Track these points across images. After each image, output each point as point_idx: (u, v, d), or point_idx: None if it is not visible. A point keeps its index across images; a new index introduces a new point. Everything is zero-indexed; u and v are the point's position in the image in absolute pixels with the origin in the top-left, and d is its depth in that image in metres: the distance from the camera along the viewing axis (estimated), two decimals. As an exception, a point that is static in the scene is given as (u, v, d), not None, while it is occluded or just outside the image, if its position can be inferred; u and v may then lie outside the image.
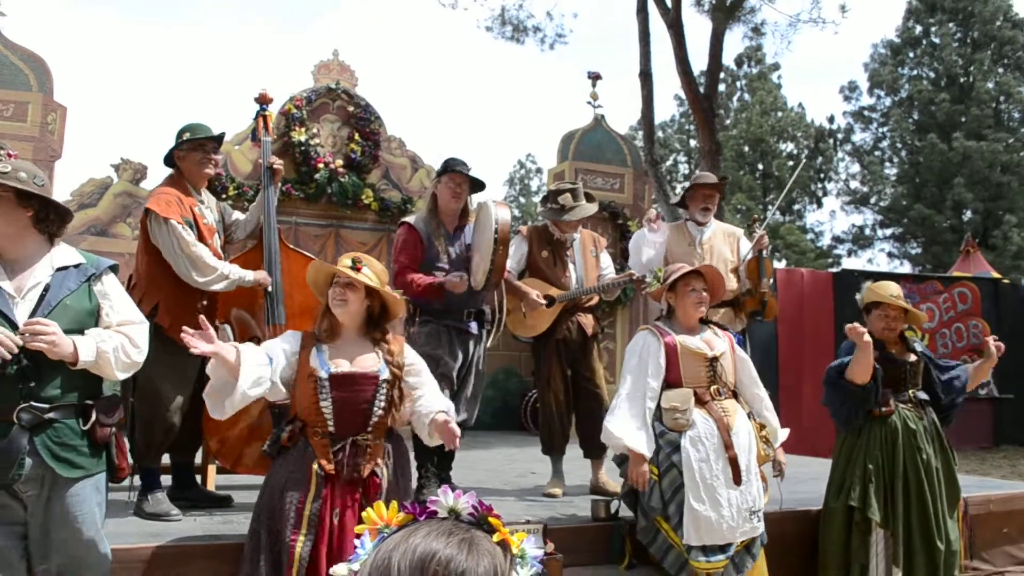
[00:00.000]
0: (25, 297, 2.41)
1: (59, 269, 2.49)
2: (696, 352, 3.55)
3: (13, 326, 2.33)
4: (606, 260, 4.90)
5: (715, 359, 3.55)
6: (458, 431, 2.83)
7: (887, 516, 3.75)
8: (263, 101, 4.39)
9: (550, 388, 4.65)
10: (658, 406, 3.49)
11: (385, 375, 2.85)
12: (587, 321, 4.68)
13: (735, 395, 3.63)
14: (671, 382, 3.53)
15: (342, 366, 2.82)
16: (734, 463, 3.37)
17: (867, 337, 3.63)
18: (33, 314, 2.37)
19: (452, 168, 4.26)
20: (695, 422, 3.42)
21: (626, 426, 3.44)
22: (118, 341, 2.48)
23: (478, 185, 4.35)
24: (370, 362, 2.86)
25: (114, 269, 2.64)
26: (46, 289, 2.43)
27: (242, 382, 2.62)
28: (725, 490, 3.33)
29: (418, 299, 4.18)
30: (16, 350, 2.26)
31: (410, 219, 4.34)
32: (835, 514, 3.88)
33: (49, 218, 2.51)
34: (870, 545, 3.77)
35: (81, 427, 2.44)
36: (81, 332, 2.43)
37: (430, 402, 2.91)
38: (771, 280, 4.70)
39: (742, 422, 3.51)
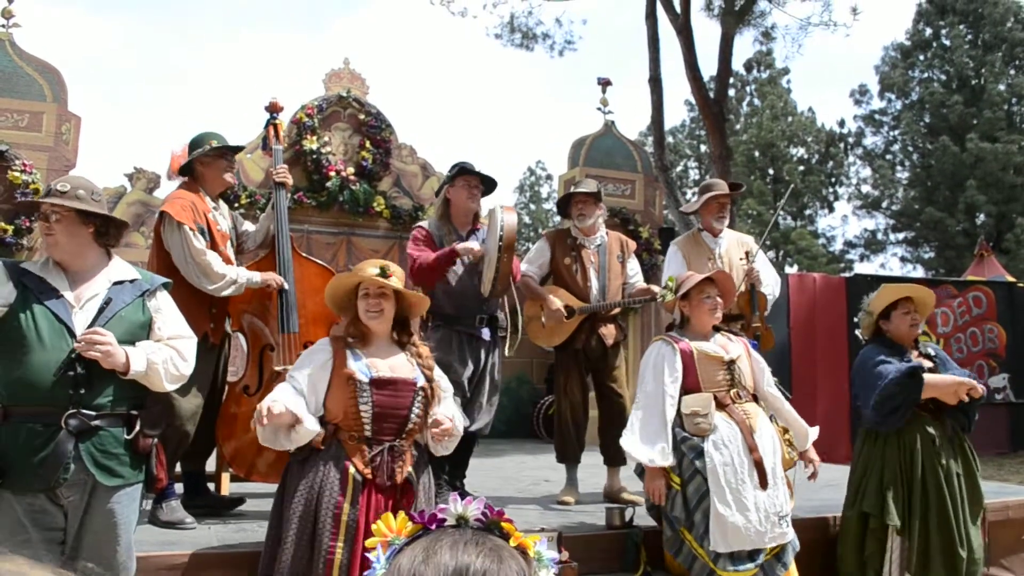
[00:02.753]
0: (84, 307, 2.51)
1: (116, 283, 2.60)
2: (713, 356, 3.52)
3: (71, 333, 2.44)
4: (634, 266, 4.79)
5: (732, 362, 3.53)
6: (447, 425, 2.83)
7: (904, 523, 3.71)
8: (273, 110, 4.41)
9: (567, 397, 4.61)
10: (678, 412, 3.45)
11: (421, 382, 2.89)
12: (608, 331, 4.62)
13: (755, 398, 3.59)
14: (689, 388, 3.49)
15: (382, 370, 2.84)
16: (759, 466, 3.32)
17: (966, 392, 3.63)
18: (92, 324, 2.46)
19: (468, 170, 4.25)
20: (717, 426, 3.38)
21: (641, 441, 3.40)
22: (167, 354, 2.58)
23: (490, 186, 4.35)
24: (406, 368, 2.90)
25: (166, 286, 2.75)
26: (105, 301, 2.53)
27: (307, 423, 2.74)
28: (752, 493, 3.28)
29: (431, 300, 4.19)
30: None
31: (424, 223, 4.37)
32: (850, 521, 3.87)
33: (109, 232, 2.64)
34: (885, 552, 3.74)
35: (125, 436, 2.51)
36: (133, 343, 2.52)
37: (439, 411, 2.94)
38: (766, 312, 4.52)
39: (765, 425, 3.47)
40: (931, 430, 3.78)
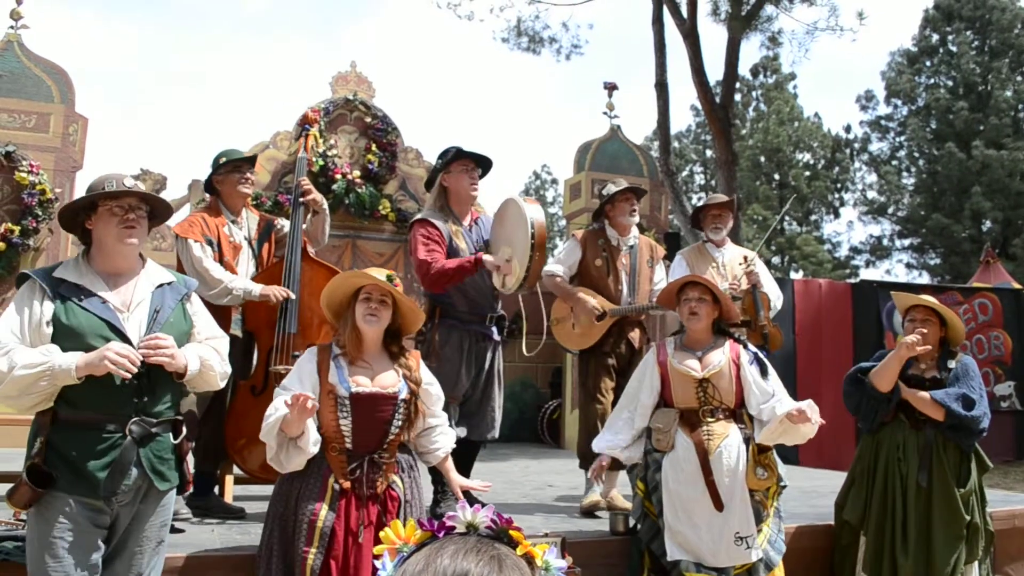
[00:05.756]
0: (133, 312, 2.50)
1: (157, 287, 2.60)
2: (684, 374, 3.49)
3: (123, 338, 2.42)
4: (660, 273, 4.73)
5: (705, 380, 3.45)
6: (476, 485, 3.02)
7: (864, 521, 3.81)
8: (306, 121, 4.52)
9: (599, 401, 4.43)
10: (649, 424, 3.55)
11: (404, 394, 2.88)
12: (635, 335, 4.58)
13: (735, 415, 3.46)
14: (666, 400, 3.55)
15: (363, 384, 2.83)
16: (712, 488, 3.31)
17: (906, 350, 3.63)
18: (148, 331, 2.48)
19: (462, 153, 4.04)
20: (676, 445, 3.40)
21: (602, 437, 3.67)
22: (212, 353, 2.63)
23: (485, 167, 4.18)
24: (389, 380, 2.89)
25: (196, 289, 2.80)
26: (155, 308, 2.54)
27: (310, 446, 2.72)
28: (705, 514, 3.30)
29: (441, 295, 4.00)
30: (139, 366, 2.36)
31: (424, 215, 4.10)
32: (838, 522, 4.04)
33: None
34: (858, 547, 3.85)
35: (172, 442, 2.56)
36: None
37: (444, 439, 3.06)
38: (770, 313, 4.68)
39: (730, 445, 3.36)
40: (903, 437, 3.78)
